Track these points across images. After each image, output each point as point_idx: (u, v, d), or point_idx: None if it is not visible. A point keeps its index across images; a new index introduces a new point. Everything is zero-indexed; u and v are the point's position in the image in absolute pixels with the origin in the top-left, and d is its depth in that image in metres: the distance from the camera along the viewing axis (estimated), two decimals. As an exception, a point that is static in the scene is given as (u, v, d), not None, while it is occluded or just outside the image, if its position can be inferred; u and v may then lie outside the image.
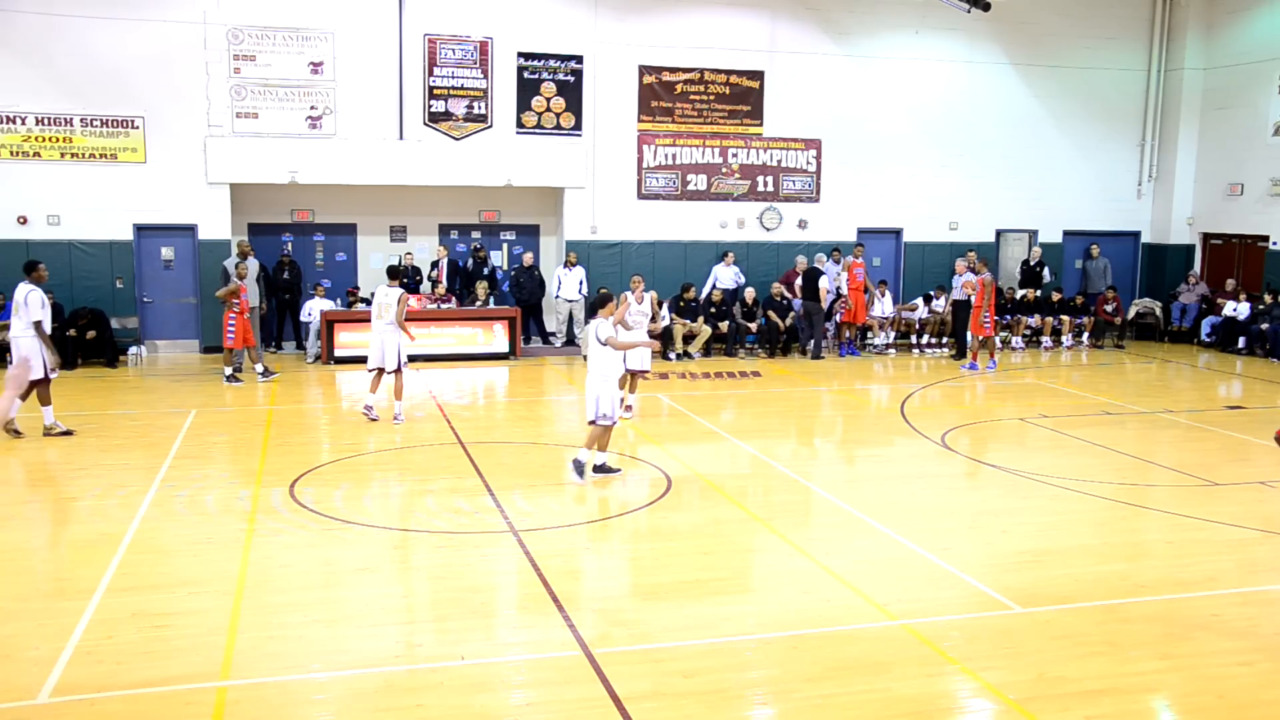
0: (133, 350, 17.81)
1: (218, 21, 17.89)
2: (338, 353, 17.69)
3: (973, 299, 18.10)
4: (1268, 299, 19.91)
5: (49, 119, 17.45)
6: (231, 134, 18.18)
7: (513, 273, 19.98)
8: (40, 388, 12.32)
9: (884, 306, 20.38)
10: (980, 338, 18.12)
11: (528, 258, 19.75)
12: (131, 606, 7.31)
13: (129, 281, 18.19)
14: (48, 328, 12.34)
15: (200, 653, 6.60)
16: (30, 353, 12.12)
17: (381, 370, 13.44)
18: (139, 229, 18.16)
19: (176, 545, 8.68)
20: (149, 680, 6.21)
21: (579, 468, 10.59)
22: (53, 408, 12.45)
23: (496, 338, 18.54)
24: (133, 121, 17.79)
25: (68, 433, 12.42)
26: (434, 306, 18.37)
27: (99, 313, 17.32)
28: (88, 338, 16.99)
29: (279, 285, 18.69)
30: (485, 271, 19.43)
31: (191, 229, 18.34)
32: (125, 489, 10.22)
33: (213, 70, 18.00)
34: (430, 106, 19.04)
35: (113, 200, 17.86)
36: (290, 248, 19.47)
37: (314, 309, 18.10)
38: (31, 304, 12.13)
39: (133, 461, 11.38)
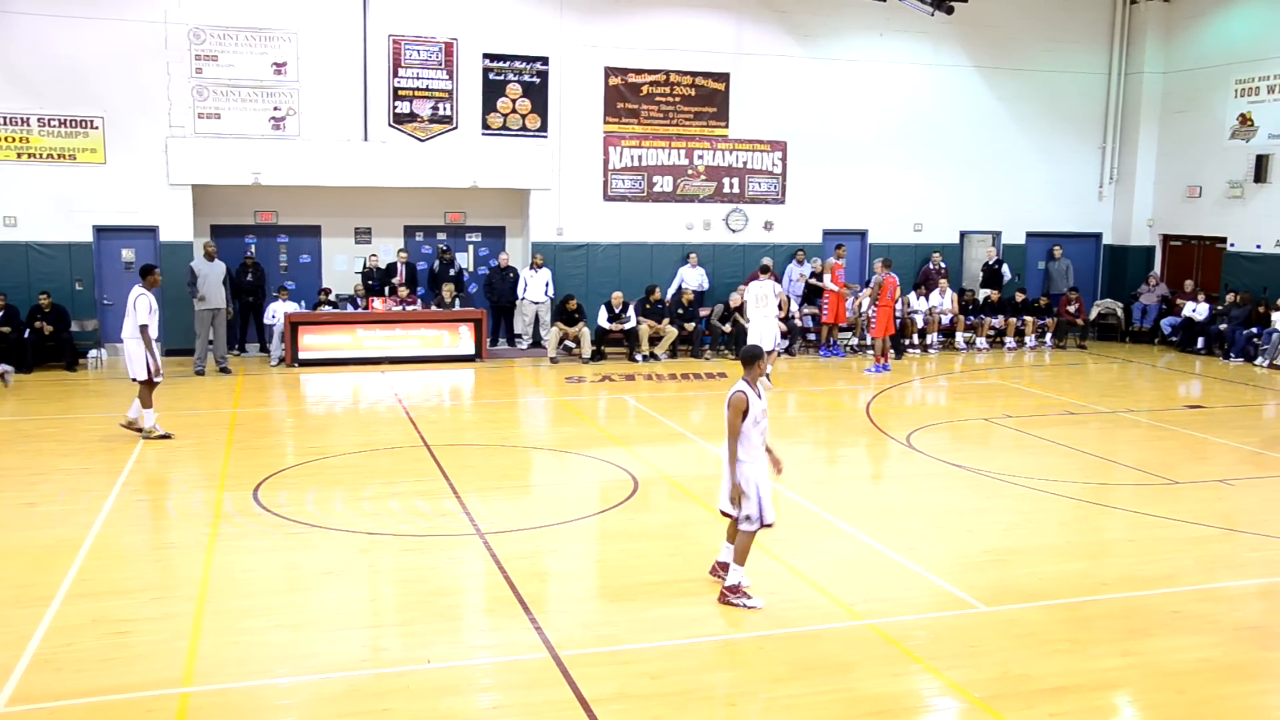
0: (92, 354, 17.56)
1: (179, 21, 17.70)
2: (302, 355, 17.55)
3: (864, 301, 18.44)
4: (1229, 299, 20.18)
5: (5, 119, 17.17)
6: (193, 135, 17.99)
7: (486, 273, 19.92)
8: (142, 390, 12.45)
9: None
10: (878, 339, 18.31)
11: (503, 258, 19.68)
12: (92, 613, 7.22)
13: (89, 284, 17.95)
14: (154, 332, 12.52)
15: (162, 659, 6.53)
16: (134, 356, 12.40)
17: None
18: (99, 230, 17.92)
19: (138, 550, 8.58)
20: (109, 688, 6.13)
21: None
22: (154, 411, 12.50)
23: (462, 340, 18.45)
24: (92, 122, 17.56)
25: (166, 436, 12.47)
26: (399, 308, 18.28)
27: (60, 309, 17.14)
28: (44, 331, 16.80)
29: (242, 287, 18.52)
30: (451, 273, 19.33)
31: (153, 230, 18.12)
32: (85, 494, 10.08)
33: (174, 70, 17.80)
34: (395, 108, 18.94)
35: (72, 201, 17.60)
36: (254, 250, 19.29)
37: (278, 311, 17.95)
38: (139, 308, 12.34)
39: (93, 466, 11.24)
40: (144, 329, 12.34)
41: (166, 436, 12.47)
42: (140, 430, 12.43)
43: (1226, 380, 17.74)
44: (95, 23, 17.36)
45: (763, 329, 15.85)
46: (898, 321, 19.67)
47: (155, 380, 12.50)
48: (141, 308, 12.36)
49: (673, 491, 10.53)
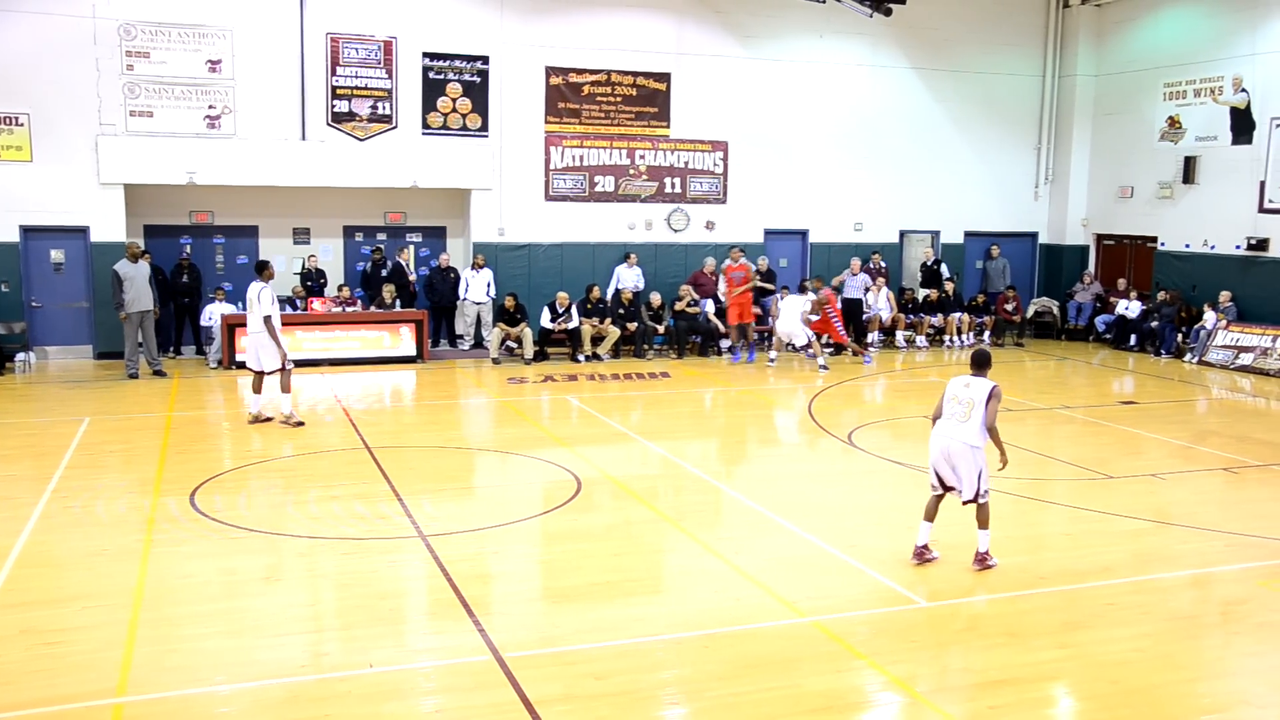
0: (20, 357, 17.13)
1: (108, 16, 17.32)
2: (239, 357, 17.23)
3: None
4: (1160, 297, 20.63)
5: (-72, 116, 16.73)
6: (125, 133, 17.62)
7: (427, 273, 19.76)
8: (257, 379, 13.37)
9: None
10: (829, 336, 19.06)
11: (444, 258, 19.53)
12: (20, 623, 7.03)
13: (15, 285, 17.50)
14: (277, 324, 13.28)
15: (95, 669, 6.38)
16: (261, 347, 13.20)
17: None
18: (26, 230, 17.48)
19: (69, 558, 8.37)
20: (39, 700, 5.98)
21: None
22: (261, 398, 13.35)
23: (403, 341, 18.29)
24: (16, 119, 17.12)
25: (300, 423, 13.21)
26: (339, 309, 18.07)
27: None
28: None
29: (177, 289, 18.19)
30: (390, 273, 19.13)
31: (83, 231, 17.72)
32: (12, 500, 9.83)
33: (104, 66, 17.41)
34: (333, 106, 18.71)
35: (-4, 201, 17.18)
36: (189, 250, 18.95)
37: (214, 313, 17.66)
38: (263, 301, 13.14)
39: (20, 472, 10.96)
40: (268, 320, 13.10)
41: (301, 424, 13.13)
42: (283, 419, 13.20)
43: (1158, 376, 18.14)
44: (19, 16, 16.93)
45: (796, 326, 18.14)
46: (864, 319, 20.60)
47: (287, 368, 13.29)
48: (265, 300, 13.10)
49: (616, 492, 10.52)
